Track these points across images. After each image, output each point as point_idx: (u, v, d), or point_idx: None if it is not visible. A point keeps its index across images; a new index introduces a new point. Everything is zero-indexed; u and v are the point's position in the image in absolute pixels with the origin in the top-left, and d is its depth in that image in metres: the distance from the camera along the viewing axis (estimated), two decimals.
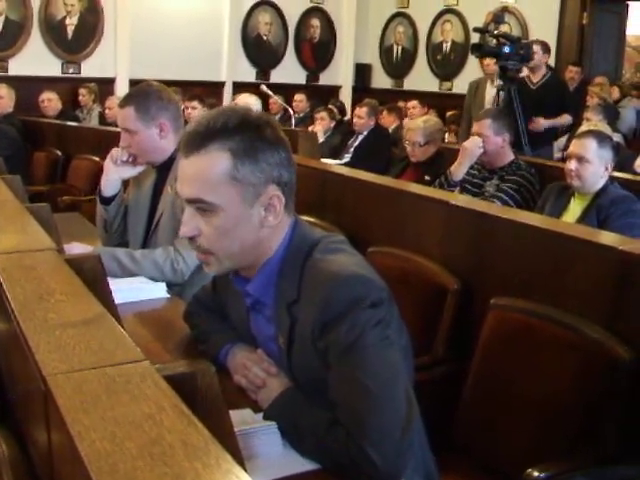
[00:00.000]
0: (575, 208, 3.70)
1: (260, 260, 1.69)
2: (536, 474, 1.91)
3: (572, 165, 3.61)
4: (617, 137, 6.33)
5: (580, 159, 3.59)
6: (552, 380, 2.18)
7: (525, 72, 6.63)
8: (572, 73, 8.26)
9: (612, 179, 3.71)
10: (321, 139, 6.80)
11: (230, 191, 1.58)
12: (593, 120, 5.52)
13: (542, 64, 6.50)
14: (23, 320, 1.19)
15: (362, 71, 11.90)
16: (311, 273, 1.62)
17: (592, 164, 3.58)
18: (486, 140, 4.34)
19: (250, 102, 5.71)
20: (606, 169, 3.60)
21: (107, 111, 7.54)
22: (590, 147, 3.60)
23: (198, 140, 1.59)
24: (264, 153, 1.60)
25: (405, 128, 5.45)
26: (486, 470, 2.29)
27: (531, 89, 6.42)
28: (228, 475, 0.78)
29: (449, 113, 8.85)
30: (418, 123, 4.99)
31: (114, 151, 2.94)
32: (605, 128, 4.71)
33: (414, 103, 8.63)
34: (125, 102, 2.85)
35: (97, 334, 1.14)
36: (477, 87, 7.34)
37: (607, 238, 2.55)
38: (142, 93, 2.85)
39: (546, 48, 6.64)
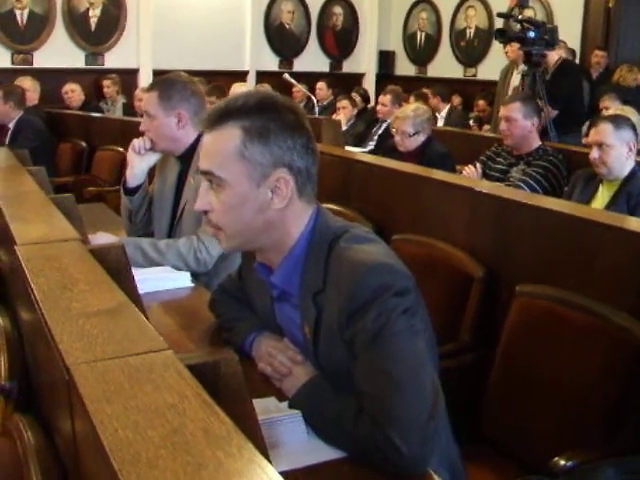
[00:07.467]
0: (603, 195, 3.67)
1: (280, 247, 1.69)
2: (562, 462, 1.90)
3: (595, 154, 3.61)
4: None
5: (600, 145, 3.58)
6: (578, 367, 2.16)
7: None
8: (598, 57, 8.16)
9: None
10: (344, 127, 6.77)
11: (238, 168, 1.61)
12: (612, 107, 5.41)
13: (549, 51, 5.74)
14: (47, 310, 1.19)
15: (385, 58, 11.84)
16: (337, 262, 1.61)
17: (613, 148, 3.57)
18: (514, 124, 4.31)
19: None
20: (630, 149, 3.58)
21: (136, 102, 7.54)
22: (607, 132, 3.59)
23: (217, 116, 1.65)
24: (277, 136, 1.61)
25: (393, 117, 5.24)
26: (511, 458, 2.28)
27: (546, 78, 6.20)
28: (250, 464, 0.78)
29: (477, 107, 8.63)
30: (407, 112, 4.79)
31: (135, 142, 2.98)
32: (631, 111, 4.65)
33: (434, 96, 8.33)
34: (151, 87, 2.98)
35: (120, 323, 1.14)
36: (506, 73, 7.21)
37: (633, 224, 2.52)
38: (168, 81, 2.93)
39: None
